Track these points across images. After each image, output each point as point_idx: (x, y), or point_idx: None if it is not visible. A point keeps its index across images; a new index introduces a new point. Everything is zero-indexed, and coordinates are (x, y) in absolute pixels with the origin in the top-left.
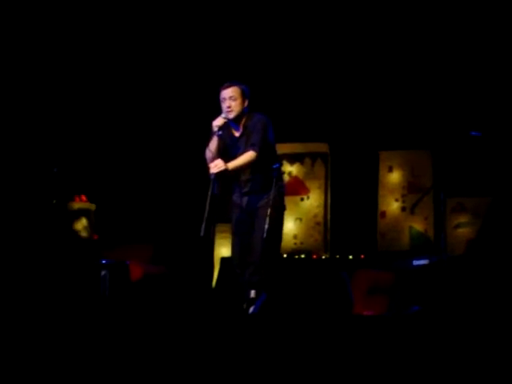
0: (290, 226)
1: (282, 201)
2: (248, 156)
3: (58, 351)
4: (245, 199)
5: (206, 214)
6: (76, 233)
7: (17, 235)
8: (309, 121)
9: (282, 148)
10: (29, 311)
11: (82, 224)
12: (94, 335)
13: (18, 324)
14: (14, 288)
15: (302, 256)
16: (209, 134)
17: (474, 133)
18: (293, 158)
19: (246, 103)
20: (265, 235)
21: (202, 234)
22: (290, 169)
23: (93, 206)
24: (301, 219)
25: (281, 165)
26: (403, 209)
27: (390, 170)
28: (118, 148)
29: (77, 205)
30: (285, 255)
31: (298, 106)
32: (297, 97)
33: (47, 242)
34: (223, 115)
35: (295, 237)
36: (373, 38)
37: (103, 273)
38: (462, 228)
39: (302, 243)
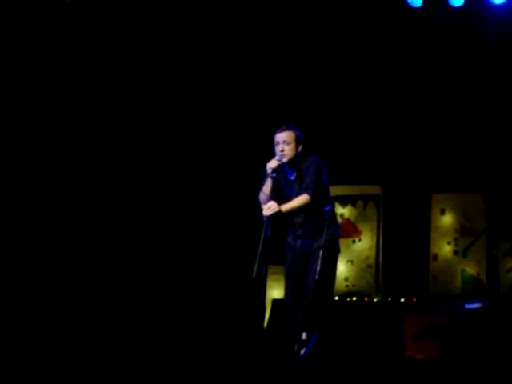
0: (341, 269)
1: (337, 243)
2: (302, 199)
3: None
4: (299, 242)
5: (258, 256)
6: None
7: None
8: (361, 163)
9: (335, 190)
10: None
11: None
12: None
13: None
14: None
15: (354, 299)
16: (262, 176)
17: None
18: (345, 201)
19: (300, 148)
20: (317, 277)
21: (254, 275)
22: (342, 211)
23: None
24: (352, 261)
25: (333, 207)
26: (455, 252)
27: (443, 212)
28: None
29: None
30: (336, 298)
31: (351, 149)
32: (349, 139)
33: None
34: (277, 157)
35: (347, 279)
36: (427, 82)
37: None
38: None
39: (353, 286)
